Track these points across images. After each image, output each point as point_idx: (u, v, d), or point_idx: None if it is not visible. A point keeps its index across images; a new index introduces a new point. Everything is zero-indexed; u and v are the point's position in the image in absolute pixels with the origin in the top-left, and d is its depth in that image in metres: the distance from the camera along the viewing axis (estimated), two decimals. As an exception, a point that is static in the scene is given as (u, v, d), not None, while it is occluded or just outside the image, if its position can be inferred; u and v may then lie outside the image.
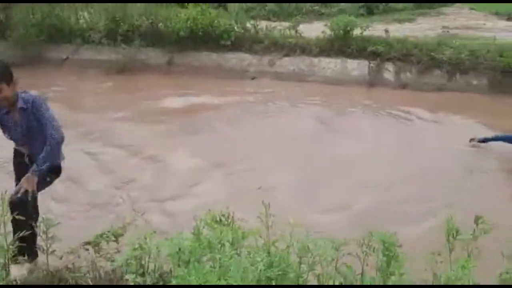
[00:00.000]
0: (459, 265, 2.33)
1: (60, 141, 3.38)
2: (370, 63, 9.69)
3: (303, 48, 9.98)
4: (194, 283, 2.00)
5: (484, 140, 6.63)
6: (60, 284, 2.70)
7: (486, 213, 2.66)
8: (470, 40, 10.04)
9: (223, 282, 2.00)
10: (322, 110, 8.14)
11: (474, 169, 6.15)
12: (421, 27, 12.14)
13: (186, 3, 10.45)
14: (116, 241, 3.18)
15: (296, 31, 10.33)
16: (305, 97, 8.67)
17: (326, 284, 2.53)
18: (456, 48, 9.42)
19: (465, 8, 15.02)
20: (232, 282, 2.04)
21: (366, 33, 9.97)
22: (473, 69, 9.29)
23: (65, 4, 10.45)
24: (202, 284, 1.99)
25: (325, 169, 5.93)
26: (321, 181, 5.61)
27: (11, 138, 3.60)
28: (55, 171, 3.60)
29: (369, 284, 2.49)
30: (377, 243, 2.50)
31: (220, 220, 2.53)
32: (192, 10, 10.03)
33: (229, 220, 2.51)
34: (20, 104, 3.38)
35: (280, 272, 2.17)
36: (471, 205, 4.80)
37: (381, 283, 2.39)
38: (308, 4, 14.19)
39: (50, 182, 3.61)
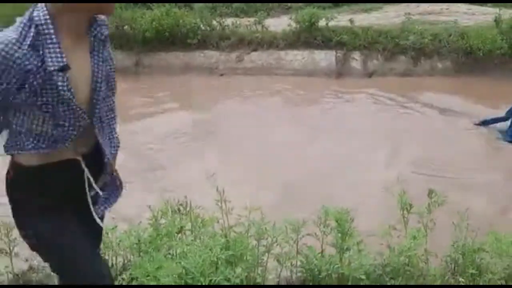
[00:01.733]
0: (410, 235, 2.42)
1: None
2: (337, 53, 9.79)
3: (270, 42, 10.02)
4: (150, 269, 2.04)
5: (484, 123, 6.79)
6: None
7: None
8: (432, 25, 10.22)
9: (179, 267, 2.04)
10: (290, 102, 8.23)
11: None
12: (387, 15, 12.25)
13: (150, 3, 10.41)
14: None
15: (262, 26, 10.36)
16: (274, 91, 8.72)
17: (287, 264, 2.59)
18: (419, 33, 9.59)
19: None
20: (189, 266, 2.09)
21: (332, 23, 10.06)
22: (437, 53, 9.50)
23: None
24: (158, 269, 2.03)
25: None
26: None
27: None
28: None
29: (329, 261, 2.56)
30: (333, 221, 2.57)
31: (179, 209, 2.58)
32: (156, 10, 10.02)
33: (188, 209, 2.56)
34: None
35: (236, 254, 2.23)
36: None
37: (339, 259, 2.46)
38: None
39: None
